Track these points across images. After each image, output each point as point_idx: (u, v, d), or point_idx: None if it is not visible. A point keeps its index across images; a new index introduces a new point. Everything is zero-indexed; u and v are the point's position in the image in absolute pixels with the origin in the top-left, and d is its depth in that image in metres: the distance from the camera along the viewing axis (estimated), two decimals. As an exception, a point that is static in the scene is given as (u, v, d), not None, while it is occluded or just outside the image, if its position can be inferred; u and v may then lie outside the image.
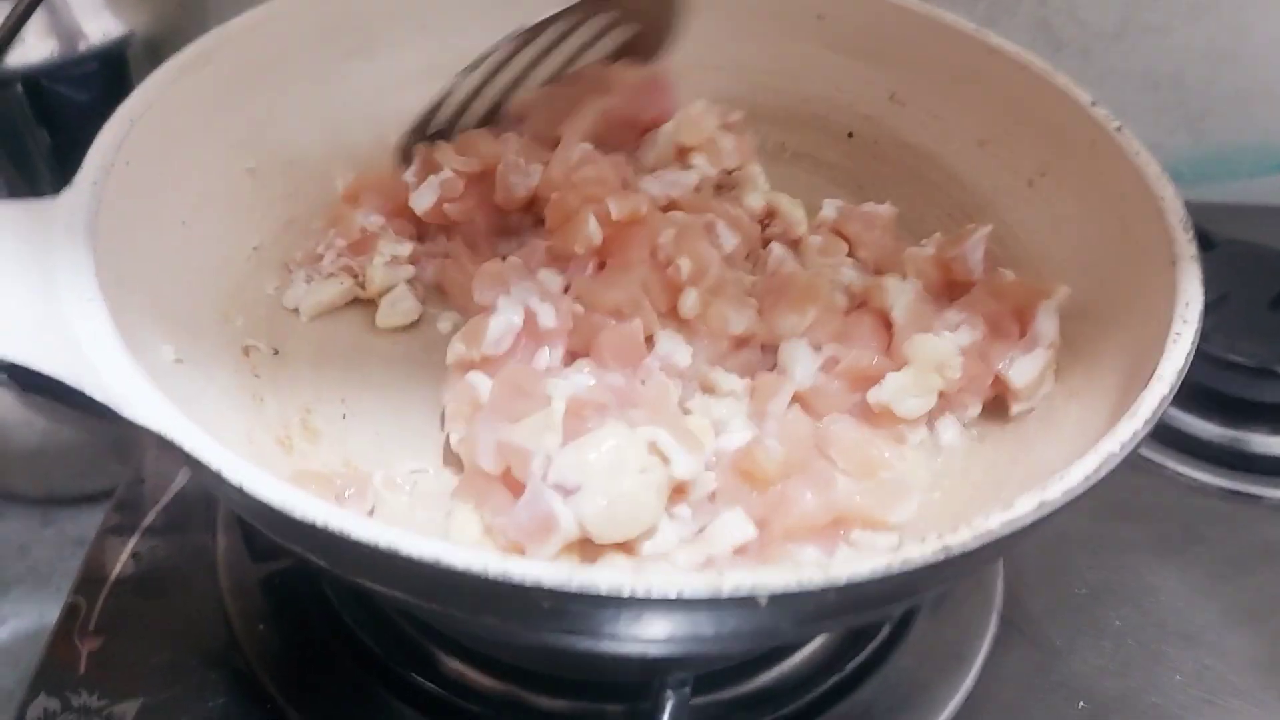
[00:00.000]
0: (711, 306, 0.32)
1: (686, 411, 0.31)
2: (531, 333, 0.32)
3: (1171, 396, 0.25)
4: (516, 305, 0.32)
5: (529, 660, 0.33)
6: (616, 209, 0.33)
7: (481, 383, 0.30)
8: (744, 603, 0.20)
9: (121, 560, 0.38)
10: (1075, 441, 0.28)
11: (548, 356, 0.31)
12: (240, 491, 0.21)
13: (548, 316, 0.31)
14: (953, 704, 0.34)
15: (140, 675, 0.34)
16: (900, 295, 0.32)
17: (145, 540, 0.39)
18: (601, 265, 0.34)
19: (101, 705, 0.33)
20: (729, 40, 0.43)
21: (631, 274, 0.33)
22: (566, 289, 0.34)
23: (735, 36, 0.43)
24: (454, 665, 0.34)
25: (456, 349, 0.32)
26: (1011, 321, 0.32)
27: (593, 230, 0.33)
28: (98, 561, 0.38)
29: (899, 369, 0.31)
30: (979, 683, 0.35)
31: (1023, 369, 0.31)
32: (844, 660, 0.34)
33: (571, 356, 0.32)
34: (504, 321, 0.31)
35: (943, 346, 0.31)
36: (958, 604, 0.37)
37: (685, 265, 0.32)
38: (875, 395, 0.30)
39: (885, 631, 0.35)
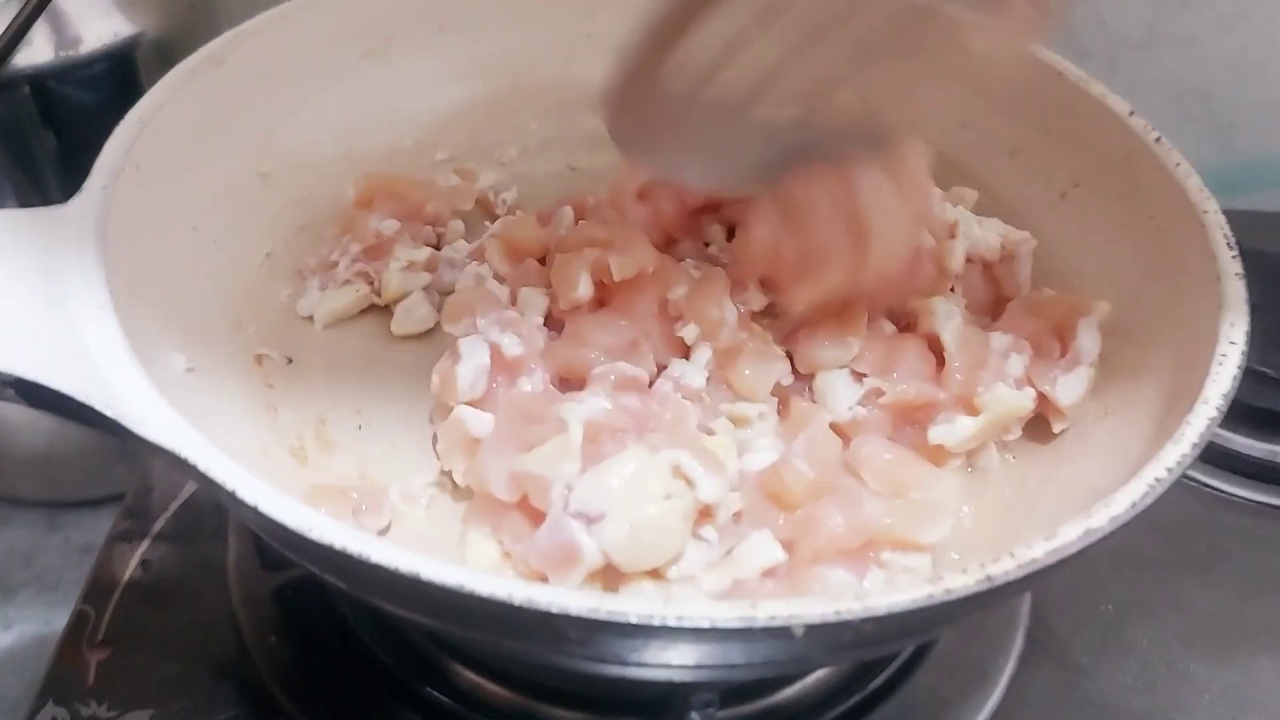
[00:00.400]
0: (732, 369, 0.30)
1: (709, 431, 0.30)
2: (501, 365, 0.30)
3: (1220, 419, 0.24)
4: (480, 344, 0.30)
5: (548, 675, 0.33)
6: (618, 268, 0.30)
7: (473, 417, 0.29)
8: (779, 633, 0.19)
9: (130, 568, 0.37)
10: (1111, 461, 0.28)
11: (529, 384, 0.30)
12: (256, 512, 0.21)
13: (513, 345, 0.30)
14: (978, 722, 0.33)
15: (150, 686, 0.34)
16: (949, 319, 0.30)
17: (154, 548, 0.38)
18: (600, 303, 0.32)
19: (111, 716, 0.33)
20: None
21: (633, 321, 0.31)
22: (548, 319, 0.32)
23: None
24: (468, 677, 0.33)
25: (435, 386, 0.31)
26: (1052, 339, 0.31)
27: (583, 289, 0.31)
28: (106, 569, 0.37)
29: (949, 398, 0.30)
30: (1003, 702, 0.34)
31: (1068, 389, 0.30)
32: (867, 678, 0.33)
33: (563, 382, 0.31)
34: (471, 368, 0.30)
35: (1020, 402, 0.30)
36: (983, 621, 0.36)
37: (691, 332, 0.30)
38: (940, 438, 0.29)
39: (909, 650, 0.34)
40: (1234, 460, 0.42)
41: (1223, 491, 0.42)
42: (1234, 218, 0.49)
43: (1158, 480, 0.22)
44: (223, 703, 0.33)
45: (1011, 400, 0.30)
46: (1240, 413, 0.43)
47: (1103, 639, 0.37)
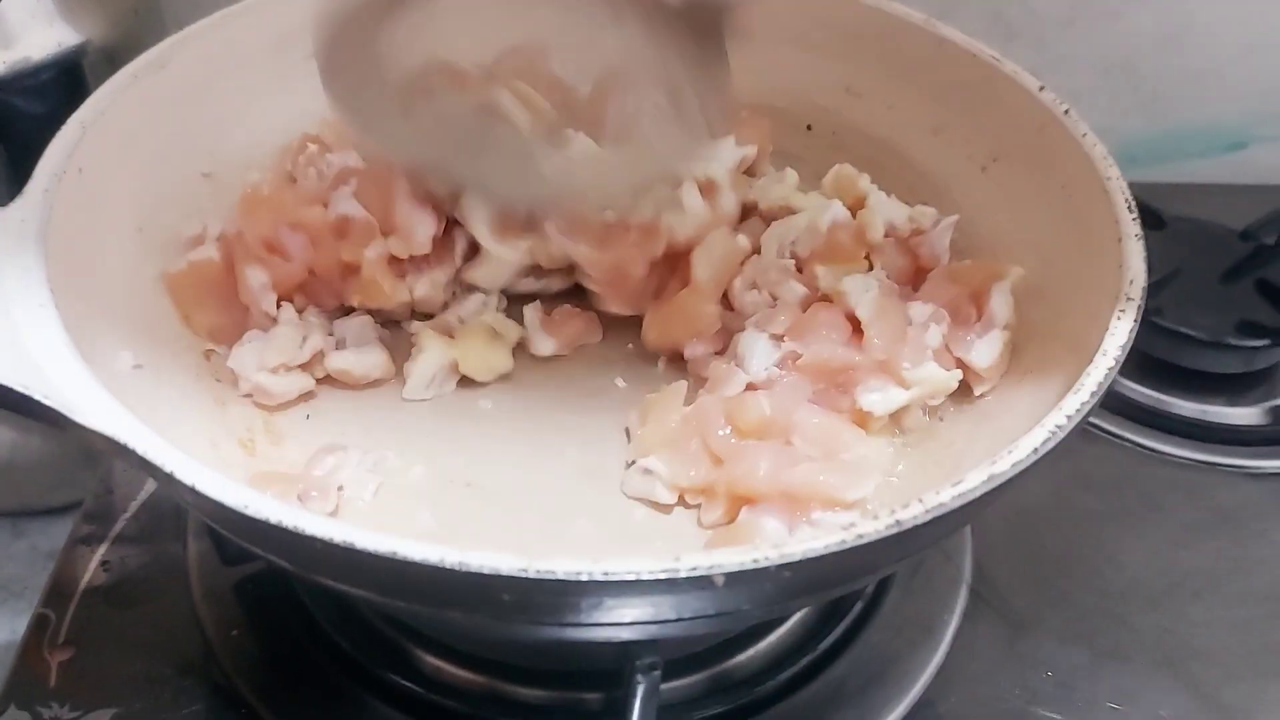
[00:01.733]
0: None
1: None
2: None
3: (1117, 369, 0.25)
4: None
5: (506, 653, 0.33)
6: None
7: None
8: (701, 582, 0.20)
9: (91, 570, 0.38)
10: (1029, 417, 0.29)
11: None
12: (194, 492, 0.21)
13: None
14: (924, 677, 0.35)
15: (113, 685, 0.34)
16: (865, 292, 0.32)
17: (115, 549, 0.38)
18: None
19: (73, 717, 0.33)
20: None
21: None
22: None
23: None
24: (432, 662, 0.34)
25: None
26: (969, 305, 0.32)
27: None
28: (67, 572, 0.38)
29: (868, 362, 0.31)
30: (949, 655, 0.35)
31: (983, 351, 0.32)
32: (817, 639, 0.34)
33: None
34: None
35: (947, 380, 0.31)
36: (928, 578, 0.37)
37: None
38: (871, 405, 0.31)
39: (857, 609, 0.36)
40: (1163, 419, 0.44)
41: (1153, 448, 0.44)
42: (1160, 188, 0.52)
43: (1058, 427, 0.24)
44: (187, 698, 0.34)
45: (939, 378, 0.31)
46: (1167, 373, 0.45)
47: (1043, 592, 0.38)
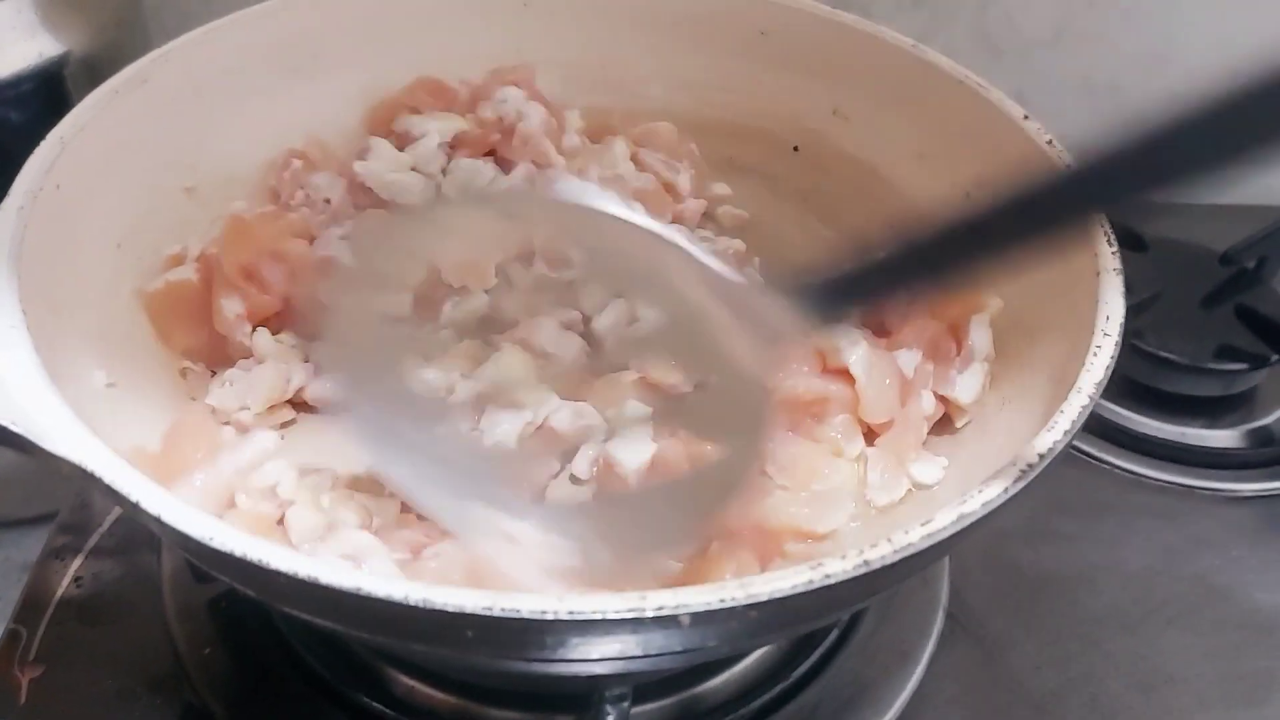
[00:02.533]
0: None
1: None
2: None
3: (1091, 406, 0.25)
4: None
5: (478, 676, 0.33)
6: None
7: None
8: (667, 622, 0.20)
9: (64, 585, 0.37)
10: (1007, 448, 0.29)
11: None
12: (159, 522, 0.21)
13: None
14: (899, 702, 0.35)
15: (84, 704, 0.34)
16: (853, 347, 0.31)
17: (89, 564, 0.38)
18: None
19: (43, 735, 0.33)
20: (675, 55, 0.43)
21: None
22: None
23: (682, 51, 0.43)
24: (404, 683, 0.34)
25: None
26: (949, 339, 0.32)
27: None
28: (39, 587, 0.37)
29: (834, 390, 0.31)
30: (924, 680, 0.35)
31: (966, 387, 0.32)
32: (791, 666, 0.34)
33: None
34: None
35: (930, 416, 0.31)
36: (904, 602, 0.37)
37: None
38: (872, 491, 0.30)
39: (833, 635, 0.36)
40: (1141, 442, 0.45)
41: (1131, 471, 0.44)
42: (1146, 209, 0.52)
43: (1029, 466, 0.24)
44: (158, 715, 0.34)
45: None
46: (1146, 396, 0.46)
47: (1018, 616, 0.38)
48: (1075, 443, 0.44)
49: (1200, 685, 0.37)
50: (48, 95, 0.46)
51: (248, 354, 0.34)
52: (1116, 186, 0.21)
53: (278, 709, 0.34)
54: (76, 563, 0.38)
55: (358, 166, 0.39)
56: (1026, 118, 0.35)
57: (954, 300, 0.33)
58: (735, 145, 0.44)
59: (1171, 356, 0.45)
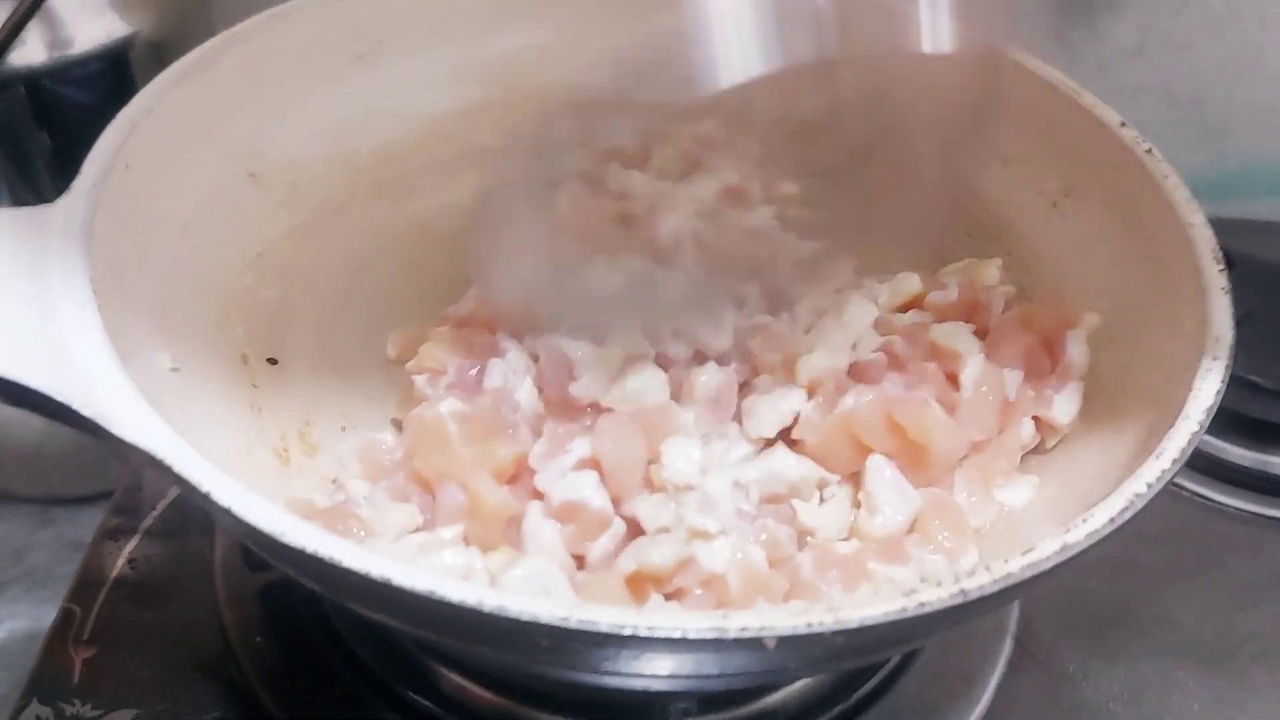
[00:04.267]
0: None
1: None
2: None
3: (1201, 434, 0.24)
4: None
5: (530, 680, 0.33)
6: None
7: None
8: (750, 644, 0.19)
9: (118, 566, 0.37)
10: (1097, 473, 0.28)
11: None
12: (230, 515, 0.21)
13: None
14: (963, 730, 0.33)
15: (134, 686, 0.34)
16: (970, 354, 0.30)
17: (142, 546, 0.38)
18: None
19: (95, 715, 0.33)
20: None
21: None
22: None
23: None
24: (454, 681, 0.33)
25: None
26: (1042, 353, 0.31)
27: None
28: (94, 567, 0.37)
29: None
30: (990, 709, 0.34)
31: (1063, 407, 0.30)
32: (851, 688, 0.33)
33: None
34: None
35: (1027, 442, 0.30)
36: (972, 628, 0.36)
37: None
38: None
39: (896, 657, 0.34)
40: (1225, 469, 0.42)
41: (1214, 500, 0.42)
42: (1228, 225, 0.49)
43: (1137, 496, 0.22)
44: (207, 703, 0.34)
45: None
46: (1232, 422, 0.43)
47: (1091, 647, 0.36)
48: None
49: (1285, 727, 0.35)
50: (113, 76, 0.46)
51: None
52: None
53: (325, 700, 0.33)
54: (130, 544, 0.38)
55: None
56: (1124, 124, 0.33)
57: (1049, 312, 0.31)
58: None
59: (1260, 380, 0.43)
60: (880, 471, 0.28)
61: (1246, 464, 0.43)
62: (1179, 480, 0.42)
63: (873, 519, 0.28)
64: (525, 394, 0.30)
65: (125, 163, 0.31)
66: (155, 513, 0.39)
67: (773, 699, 0.32)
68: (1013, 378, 0.30)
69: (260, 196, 0.37)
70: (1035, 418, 0.30)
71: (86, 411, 0.23)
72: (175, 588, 0.37)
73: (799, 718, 0.32)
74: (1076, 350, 0.30)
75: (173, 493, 0.40)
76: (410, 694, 0.33)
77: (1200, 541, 0.40)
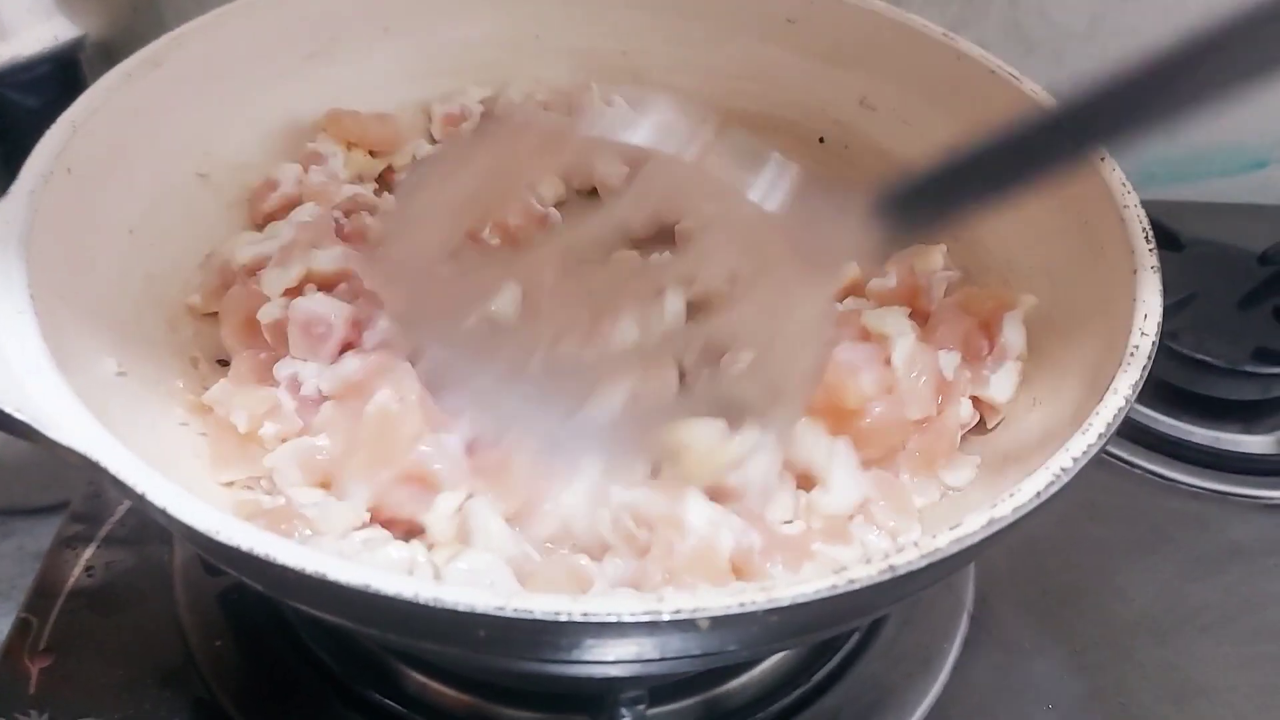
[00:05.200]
0: None
1: None
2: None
3: (1128, 409, 0.24)
4: None
5: (492, 675, 0.33)
6: None
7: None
8: (685, 625, 0.19)
9: (75, 575, 0.37)
10: (1038, 450, 0.28)
11: None
12: (166, 515, 0.21)
13: None
14: (921, 708, 0.34)
15: (93, 694, 0.34)
16: (900, 336, 0.30)
17: (100, 554, 0.38)
18: None
19: (52, 725, 0.33)
20: (701, 45, 0.42)
21: None
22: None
23: (708, 41, 0.42)
24: (416, 680, 0.33)
25: None
26: (980, 336, 0.31)
27: None
28: (50, 576, 0.37)
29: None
30: (948, 686, 0.35)
31: (999, 386, 0.31)
32: (811, 669, 0.34)
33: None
34: None
35: (966, 420, 0.30)
36: (928, 606, 0.36)
37: None
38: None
39: (854, 638, 0.35)
40: (1176, 446, 0.43)
41: (1164, 476, 0.42)
42: (1179, 208, 0.51)
43: (1063, 470, 0.23)
44: (167, 709, 0.33)
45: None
46: (1182, 399, 0.44)
47: (1045, 623, 0.37)
48: (1107, 446, 0.43)
49: (1234, 697, 0.35)
50: (63, 79, 0.46)
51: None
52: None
53: (287, 704, 0.33)
54: (88, 552, 0.38)
55: None
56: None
57: (987, 295, 0.32)
58: (760, 136, 0.42)
59: (1207, 359, 0.44)
60: (839, 453, 0.29)
61: (1196, 440, 0.43)
62: (1131, 458, 0.43)
63: (825, 496, 0.28)
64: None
65: (67, 166, 0.31)
66: (113, 519, 0.39)
67: (730, 685, 0.33)
68: (949, 359, 0.30)
69: (210, 197, 0.37)
70: (974, 398, 0.31)
71: (21, 416, 0.23)
72: (134, 595, 0.37)
73: (757, 703, 0.33)
74: (1013, 331, 0.31)
75: (129, 501, 0.40)
76: (373, 694, 0.33)
77: (1152, 517, 0.41)
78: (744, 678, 0.33)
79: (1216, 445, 0.43)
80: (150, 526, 0.39)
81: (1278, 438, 0.44)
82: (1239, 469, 0.42)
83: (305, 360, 0.31)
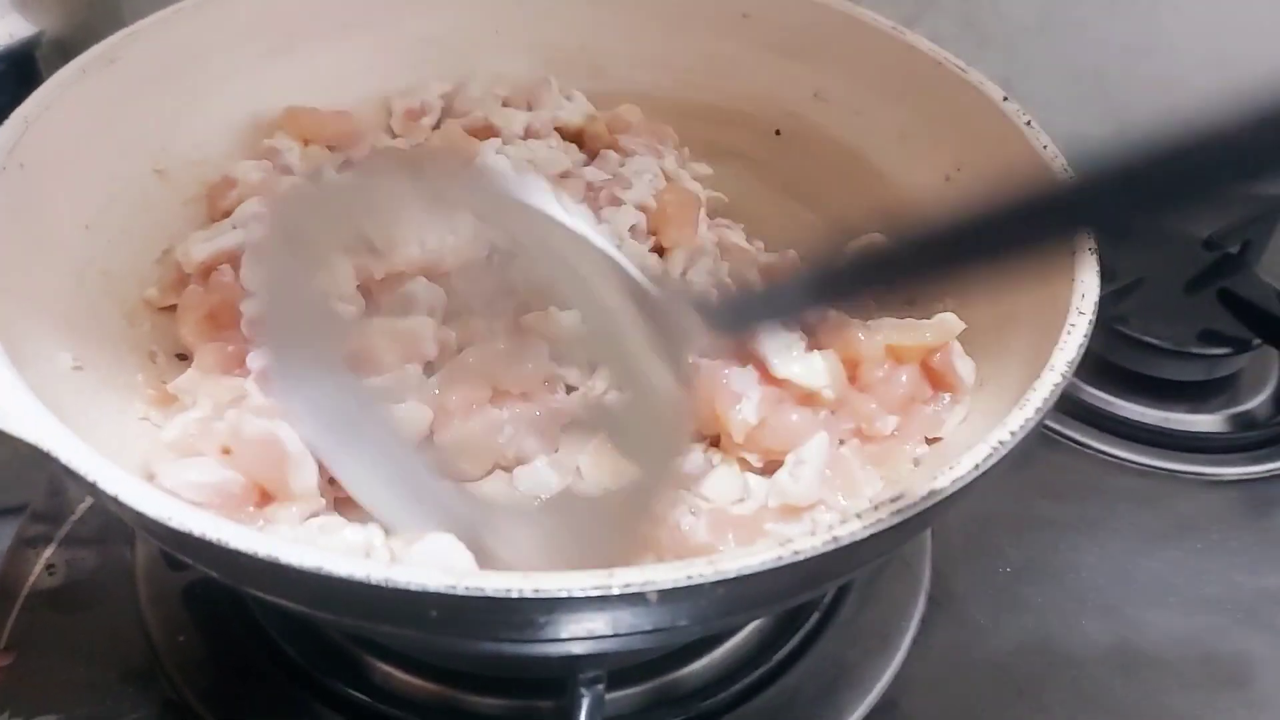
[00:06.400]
0: None
1: None
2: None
3: (1064, 385, 0.25)
4: None
5: (457, 662, 0.33)
6: None
7: None
8: (634, 600, 0.20)
9: (35, 573, 0.37)
10: (983, 428, 0.29)
11: None
12: (116, 502, 0.21)
13: None
14: (880, 685, 0.34)
15: (55, 691, 0.33)
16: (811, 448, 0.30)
17: (61, 551, 0.38)
18: None
19: (13, 723, 0.33)
20: (659, 40, 0.43)
21: None
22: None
23: (665, 35, 0.43)
24: (382, 670, 0.34)
25: None
26: (922, 380, 0.31)
27: None
28: (11, 575, 0.37)
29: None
30: (905, 663, 0.35)
31: (952, 423, 0.31)
32: (772, 649, 0.34)
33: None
34: None
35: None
36: (886, 585, 0.37)
37: None
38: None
39: (814, 618, 0.35)
40: (1125, 426, 0.44)
41: (1114, 456, 0.44)
42: (1128, 195, 0.52)
43: (1001, 444, 0.24)
44: (131, 705, 0.33)
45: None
46: (1130, 381, 0.46)
47: (1000, 599, 0.38)
48: (1058, 427, 0.44)
49: (1181, 667, 0.36)
50: (19, 77, 0.45)
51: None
52: (1110, 206, 0.20)
53: (252, 696, 0.33)
54: (49, 551, 0.38)
55: None
56: (1006, 99, 0.35)
57: (916, 346, 0.31)
58: (716, 129, 0.43)
59: (1155, 341, 0.45)
60: (819, 447, 0.29)
61: (1145, 420, 0.45)
62: (1082, 438, 0.44)
63: (795, 485, 0.29)
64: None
65: (19, 162, 0.31)
66: (74, 518, 0.39)
67: (690, 668, 0.33)
68: (887, 423, 0.30)
69: (167, 193, 0.37)
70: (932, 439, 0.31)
71: (-32, 409, 0.23)
72: (95, 592, 0.36)
73: (716, 684, 0.33)
74: (961, 366, 0.31)
75: (90, 499, 0.40)
76: (339, 685, 0.33)
77: (1102, 495, 0.42)
78: (704, 660, 0.34)
79: (1164, 425, 0.45)
80: (112, 525, 0.39)
81: (1222, 417, 0.46)
82: (1186, 447, 0.44)
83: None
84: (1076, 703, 0.35)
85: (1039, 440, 0.44)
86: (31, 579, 0.37)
